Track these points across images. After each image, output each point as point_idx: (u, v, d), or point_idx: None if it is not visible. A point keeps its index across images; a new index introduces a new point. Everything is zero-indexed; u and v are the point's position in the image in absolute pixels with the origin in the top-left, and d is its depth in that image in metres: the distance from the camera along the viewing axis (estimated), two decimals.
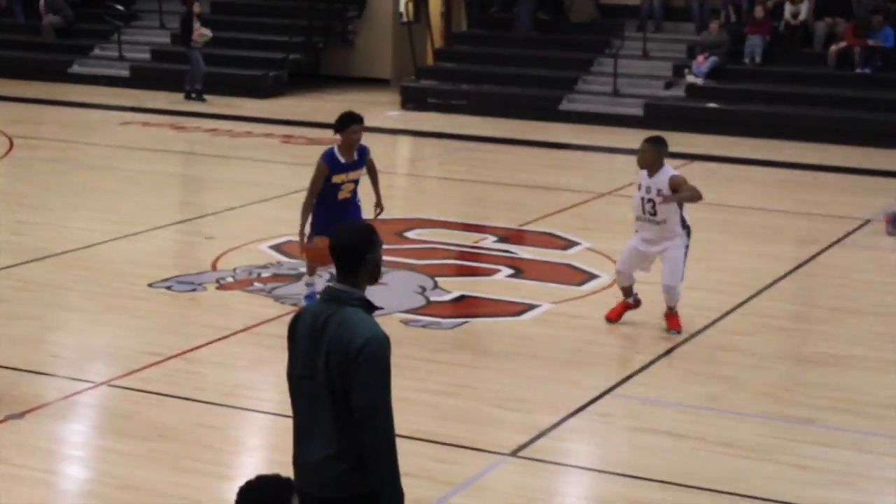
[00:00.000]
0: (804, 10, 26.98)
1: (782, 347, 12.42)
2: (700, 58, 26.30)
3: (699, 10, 27.78)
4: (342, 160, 12.02)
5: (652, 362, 11.57)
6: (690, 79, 26.33)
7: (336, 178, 12.00)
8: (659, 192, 11.74)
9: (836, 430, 10.10)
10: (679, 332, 12.10)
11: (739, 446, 9.67)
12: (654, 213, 11.88)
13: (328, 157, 11.99)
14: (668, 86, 26.78)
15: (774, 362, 11.78)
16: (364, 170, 12.39)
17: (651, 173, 11.87)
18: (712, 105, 25.78)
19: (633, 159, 22.57)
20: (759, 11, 26.67)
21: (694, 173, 21.41)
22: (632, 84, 26.74)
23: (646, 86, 26.85)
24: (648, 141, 12.03)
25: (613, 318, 12.44)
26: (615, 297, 12.85)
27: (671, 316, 12.20)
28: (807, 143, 23.57)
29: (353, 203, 12.26)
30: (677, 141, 23.67)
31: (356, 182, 12.27)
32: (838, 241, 16.37)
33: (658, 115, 25.36)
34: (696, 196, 11.88)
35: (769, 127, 24.48)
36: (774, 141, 23.79)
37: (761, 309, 13.30)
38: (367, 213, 12.32)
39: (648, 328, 12.47)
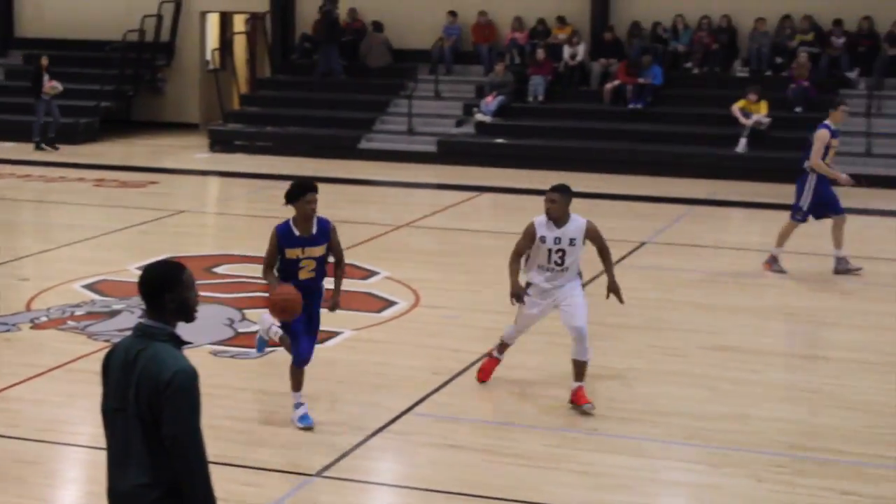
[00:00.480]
0: (581, 51, 27.58)
1: (568, 364, 12.58)
2: (488, 98, 26.71)
3: (487, 53, 28.19)
4: (297, 233, 10.15)
5: (448, 382, 11.62)
6: (479, 117, 26.70)
7: (290, 253, 10.11)
8: (572, 240, 10.70)
9: (616, 438, 10.28)
10: (593, 406, 10.88)
11: (528, 456, 9.78)
12: (562, 263, 10.78)
13: (281, 229, 10.18)
14: (459, 124, 27.13)
15: (561, 378, 11.92)
16: (325, 248, 10.31)
17: (560, 224, 10.67)
18: (500, 140, 26.21)
19: (429, 192, 23.18)
20: (540, 54, 27.19)
21: (484, 204, 21.83)
22: (425, 123, 27.03)
23: (438, 124, 27.16)
24: (558, 190, 10.72)
25: (486, 378, 11.55)
26: (413, 323, 12.92)
27: (580, 391, 10.91)
28: (587, 173, 24.03)
29: (316, 289, 10.32)
30: (468, 175, 24.15)
31: (319, 261, 10.26)
32: (617, 262, 16.65)
33: (450, 152, 25.72)
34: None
35: (552, 159, 24.93)
36: (558, 172, 24.07)
37: (548, 328, 13.45)
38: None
39: (445, 350, 12.57)
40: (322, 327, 10.64)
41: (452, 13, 28.95)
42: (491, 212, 21.56)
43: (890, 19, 26.24)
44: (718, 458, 9.95)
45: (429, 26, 28.99)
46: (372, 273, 15.95)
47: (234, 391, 11.21)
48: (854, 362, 12.58)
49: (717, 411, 11.02)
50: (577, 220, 10.77)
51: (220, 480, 6.82)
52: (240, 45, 31.62)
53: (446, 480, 9.31)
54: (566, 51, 27.66)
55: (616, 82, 26.76)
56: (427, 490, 9.23)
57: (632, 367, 12.29)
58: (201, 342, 12.12)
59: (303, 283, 10.08)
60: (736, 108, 24.93)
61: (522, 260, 11.02)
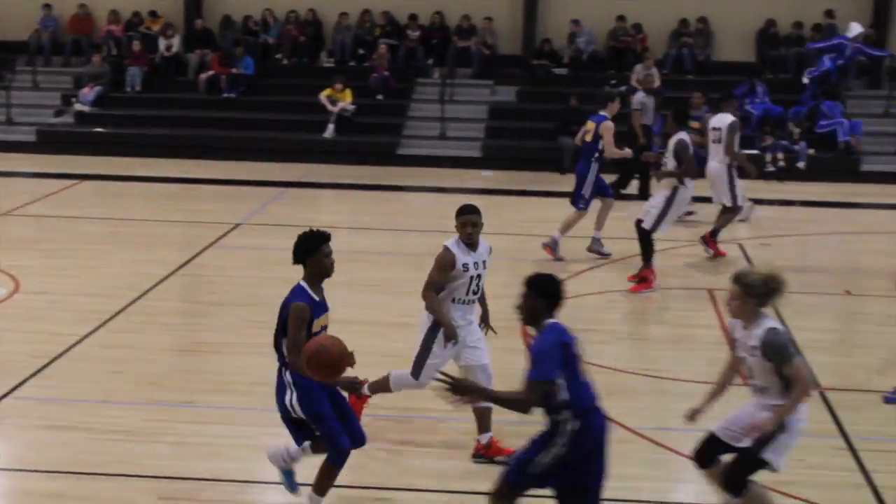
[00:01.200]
0: (176, 43, 27.20)
1: (166, 340, 12.42)
2: (86, 88, 25.96)
3: (84, 44, 27.42)
4: (317, 299, 8.28)
5: (48, 364, 11.24)
6: (78, 107, 25.90)
7: (316, 324, 8.10)
8: (485, 263, 9.10)
9: (211, 409, 10.21)
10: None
11: (126, 431, 9.59)
12: (478, 291, 9.20)
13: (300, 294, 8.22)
14: (59, 114, 26.21)
15: (159, 354, 11.75)
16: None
17: (475, 247, 9.07)
18: (99, 129, 25.52)
19: (28, 181, 22.28)
20: (136, 45, 26.65)
21: (87, 191, 21.18)
22: (24, 113, 25.97)
23: (38, 114, 26.13)
24: (475, 211, 9.06)
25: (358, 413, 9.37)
26: (13, 309, 12.44)
27: (493, 444, 9.21)
28: (185, 159, 23.79)
29: None
30: (70, 163, 23.38)
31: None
32: (213, 243, 16.59)
33: (50, 141, 24.87)
34: None
35: (152, 147, 24.55)
36: (157, 159, 23.84)
37: (147, 308, 13.26)
38: None
39: (45, 334, 12.14)
40: None
41: (47, 6, 27.95)
42: (92, 199, 20.93)
43: (459, 14, 27.13)
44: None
45: (25, 18, 27.83)
46: None
47: None
48: None
49: None
50: (482, 240, 9.19)
51: None
52: None
53: (45, 461, 8.99)
54: (161, 42, 27.22)
55: (210, 72, 26.56)
56: (26, 471, 8.89)
57: (225, 341, 12.20)
58: None
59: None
60: (323, 96, 25.21)
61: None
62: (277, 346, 8.01)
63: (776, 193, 21.79)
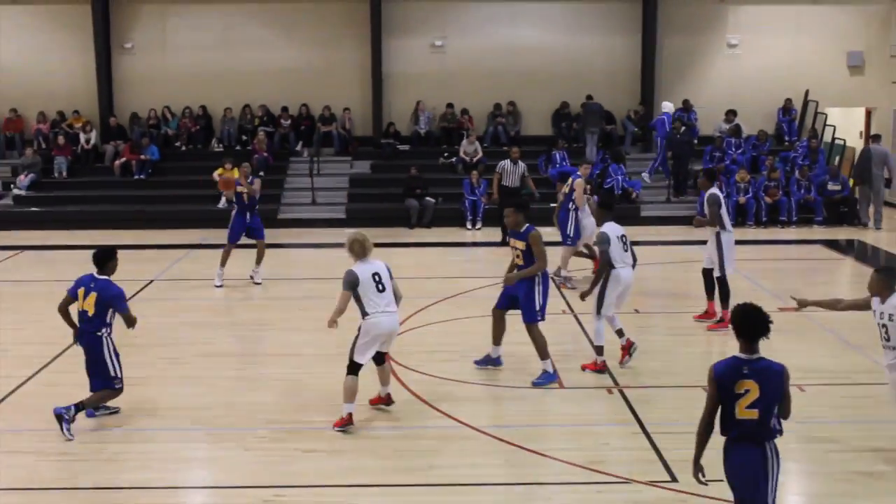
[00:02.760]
0: (94, 136, 26.80)
1: None
2: (21, 176, 25.39)
3: (18, 140, 26.82)
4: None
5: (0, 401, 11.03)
6: (16, 191, 25.28)
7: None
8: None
9: (139, 430, 10.12)
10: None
11: (70, 453, 9.45)
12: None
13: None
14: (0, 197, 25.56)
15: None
16: None
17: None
18: (34, 209, 24.95)
19: None
20: (61, 139, 26.17)
21: (27, 260, 20.64)
22: None
23: None
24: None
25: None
26: None
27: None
28: (106, 230, 23.27)
29: None
30: (12, 238, 22.77)
31: None
32: (133, 296, 16.26)
33: None
34: None
35: (78, 221, 23.98)
36: (83, 231, 23.38)
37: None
38: None
39: None
40: None
41: None
42: (32, 266, 20.38)
43: (322, 105, 27.25)
44: (215, 437, 10.03)
45: None
46: None
47: None
48: (313, 356, 12.79)
49: (213, 402, 11.05)
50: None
51: None
52: None
53: (3, 480, 8.83)
54: (82, 136, 26.76)
55: (123, 159, 26.18)
56: None
57: (147, 375, 12.09)
58: None
59: None
60: (216, 174, 24.91)
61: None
62: None
63: None
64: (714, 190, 13.86)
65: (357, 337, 10.05)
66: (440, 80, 27.40)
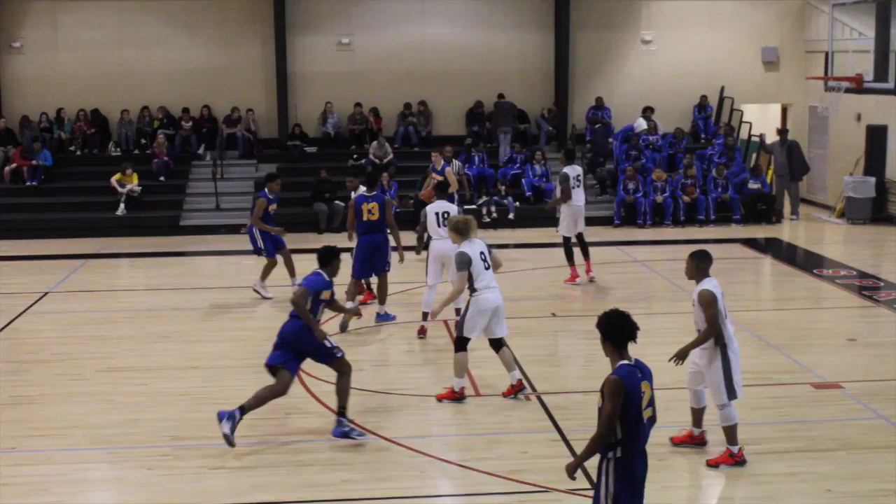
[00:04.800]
0: None
1: None
2: None
3: None
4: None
5: None
6: None
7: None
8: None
9: (32, 452, 9.90)
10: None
11: None
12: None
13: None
14: None
15: None
16: None
17: None
18: None
19: None
20: None
21: None
22: None
23: None
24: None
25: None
26: None
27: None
28: (0, 240, 22.87)
29: None
30: None
31: None
32: (26, 310, 15.90)
33: None
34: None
35: None
36: None
37: None
38: None
39: None
40: None
41: None
42: None
43: (225, 107, 26.99)
44: (116, 456, 9.87)
45: None
46: None
47: None
48: (220, 368, 12.73)
49: (114, 420, 10.89)
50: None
51: None
52: None
53: None
54: None
55: (14, 165, 25.59)
56: None
57: (43, 393, 11.85)
58: None
59: None
60: (114, 180, 24.65)
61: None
62: None
63: (493, 239, 22.41)
64: (566, 168, 16.55)
65: (465, 313, 10.80)
66: (348, 79, 27.33)
